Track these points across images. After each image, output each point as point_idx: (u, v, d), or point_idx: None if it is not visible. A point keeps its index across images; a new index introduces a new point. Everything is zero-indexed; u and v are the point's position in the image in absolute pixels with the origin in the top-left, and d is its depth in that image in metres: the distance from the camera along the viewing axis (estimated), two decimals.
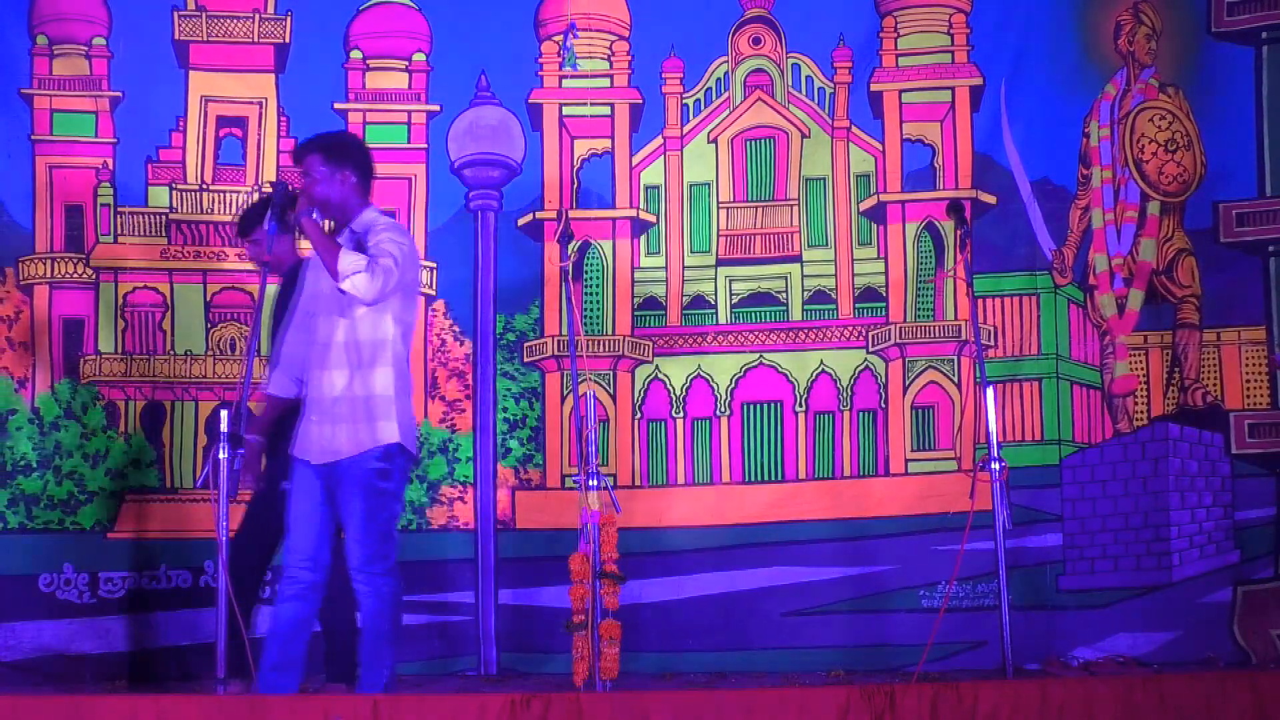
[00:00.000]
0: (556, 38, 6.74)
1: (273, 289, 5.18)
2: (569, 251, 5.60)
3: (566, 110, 6.74)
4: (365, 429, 4.70)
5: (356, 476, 4.72)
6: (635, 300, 6.69)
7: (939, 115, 6.68)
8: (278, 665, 4.68)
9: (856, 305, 6.63)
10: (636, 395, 6.64)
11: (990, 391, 5.01)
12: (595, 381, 6.54)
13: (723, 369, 6.63)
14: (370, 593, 4.70)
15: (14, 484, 6.24)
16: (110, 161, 6.48)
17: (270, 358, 4.99)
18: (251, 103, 6.58)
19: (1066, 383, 6.56)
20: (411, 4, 6.72)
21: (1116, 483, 6.50)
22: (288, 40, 6.63)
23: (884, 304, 6.62)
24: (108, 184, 6.46)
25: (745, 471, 6.56)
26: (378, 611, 4.72)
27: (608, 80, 6.77)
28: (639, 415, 6.62)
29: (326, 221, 4.75)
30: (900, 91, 6.69)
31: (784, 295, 6.66)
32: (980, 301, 5.57)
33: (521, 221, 6.66)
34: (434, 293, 6.59)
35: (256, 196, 6.08)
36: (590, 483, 5.02)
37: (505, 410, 6.56)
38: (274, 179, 4.67)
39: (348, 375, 4.68)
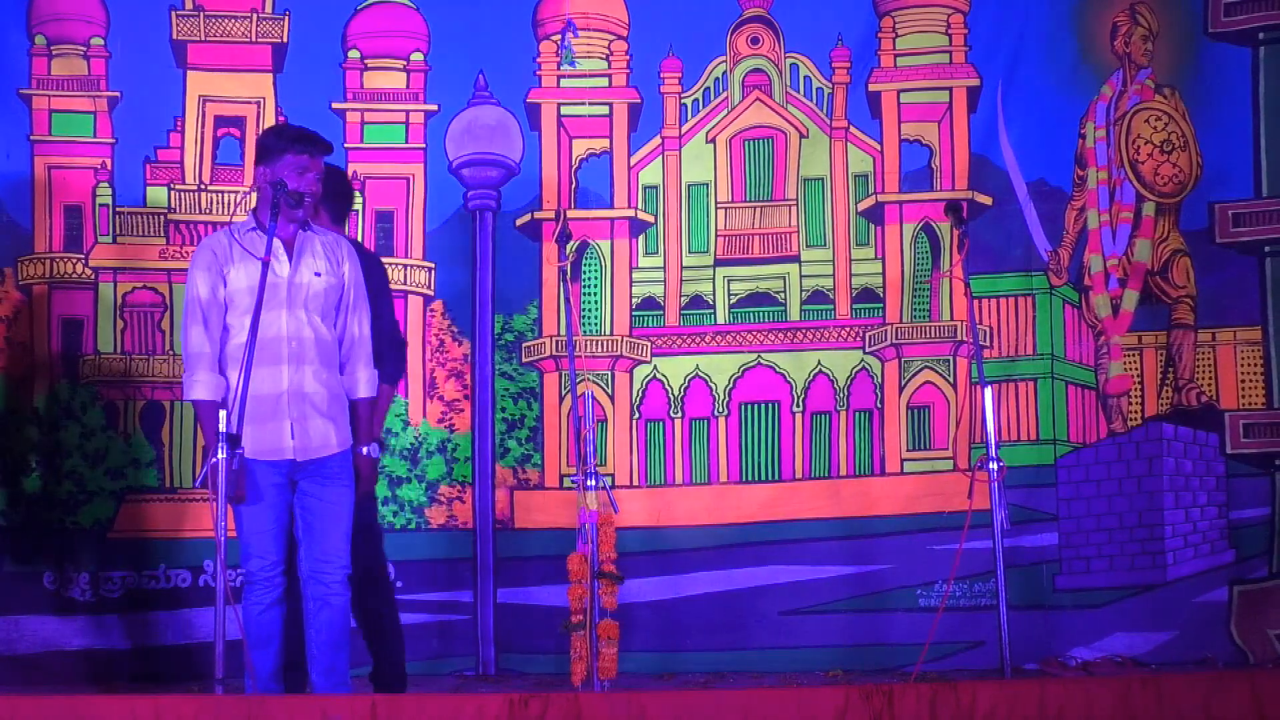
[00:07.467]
0: (554, 37, 6.74)
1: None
2: (567, 251, 5.62)
3: (565, 110, 6.74)
4: (343, 425, 4.76)
5: (348, 470, 4.77)
6: (633, 300, 6.69)
7: (936, 116, 6.69)
8: (276, 672, 4.71)
9: (854, 305, 6.64)
10: (634, 395, 6.64)
11: (988, 391, 5.02)
12: (593, 381, 6.55)
13: (721, 369, 6.64)
14: (343, 597, 4.70)
15: (14, 484, 6.24)
16: (109, 161, 6.47)
17: (205, 359, 4.70)
18: (249, 102, 6.57)
19: (1062, 383, 6.57)
20: (409, 4, 6.71)
21: (1111, 482, 6.51)
22: (285, 40, 6.62)
23: (881, 304, 6.63)
24: (106, 184, 6.45)
25: (743, 471, 6.58)
26: (346, 619, 4.73)
27: (606, 80, 6.77)
28: (637, 415, 6.63)
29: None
30: (898, 92, 6.69)
31: (782, 295, 6.67)
32: (976, 302, 5.58)
33: (520, 222, 6.66)
34: (432, 293, 6.60)
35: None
36: (588, 483, 5.02)
37: (503, 410, 6.57)
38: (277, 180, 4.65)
39: (325, 371, 4.72)
